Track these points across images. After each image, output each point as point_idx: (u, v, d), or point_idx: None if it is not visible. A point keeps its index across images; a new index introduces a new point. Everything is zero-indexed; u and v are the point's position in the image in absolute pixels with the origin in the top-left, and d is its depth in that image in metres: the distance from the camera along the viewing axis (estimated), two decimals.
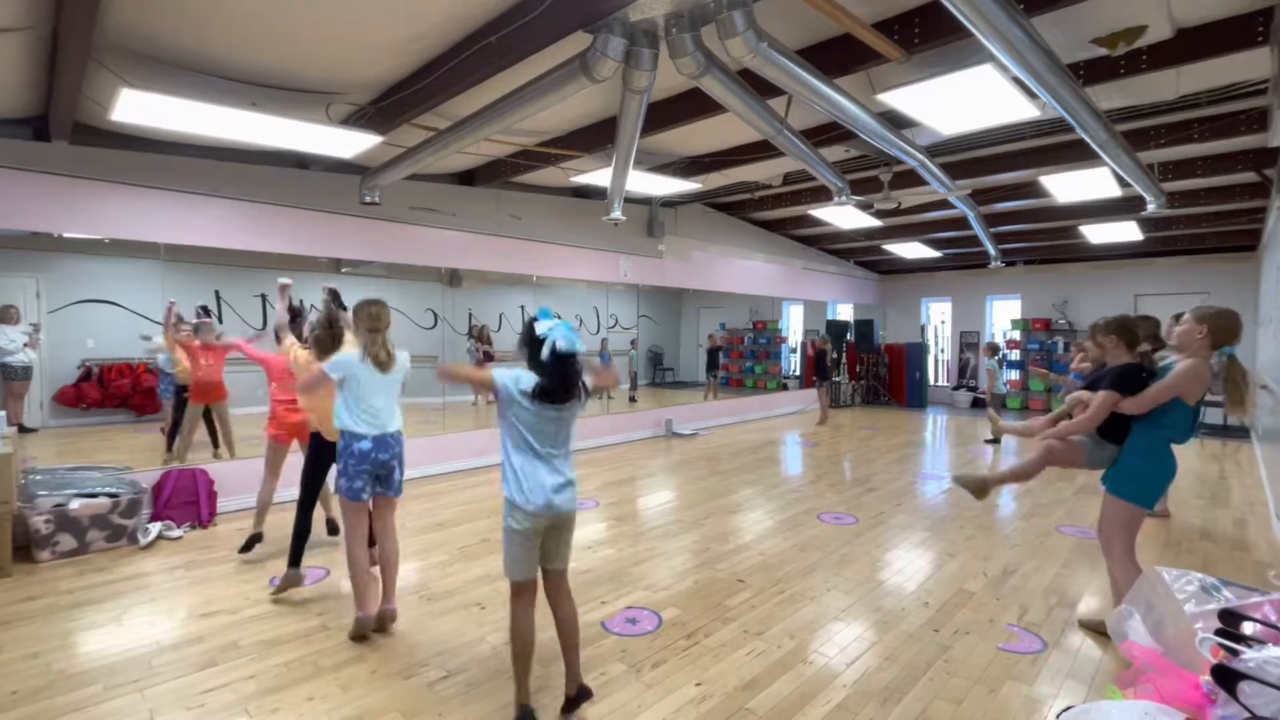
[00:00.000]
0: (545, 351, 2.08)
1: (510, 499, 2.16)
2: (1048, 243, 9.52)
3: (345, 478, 2.81)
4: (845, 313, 12.86)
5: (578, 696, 2.28)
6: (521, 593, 2.21)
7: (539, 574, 2.24)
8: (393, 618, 2.93)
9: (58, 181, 4.18)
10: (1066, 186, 5.92)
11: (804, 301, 12.16)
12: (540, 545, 2.21)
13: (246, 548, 3.77)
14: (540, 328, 2.12)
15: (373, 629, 2.81)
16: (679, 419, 8.75)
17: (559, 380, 2.10)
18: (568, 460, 2.23)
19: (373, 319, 2.83)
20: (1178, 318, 2.99)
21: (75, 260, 6.33)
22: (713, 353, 10.51)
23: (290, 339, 3.57)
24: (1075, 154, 5.34)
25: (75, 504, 3.79)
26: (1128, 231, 8.01)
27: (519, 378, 2.14)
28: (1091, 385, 2.85)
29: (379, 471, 2.89)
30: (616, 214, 5.20)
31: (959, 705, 2.34)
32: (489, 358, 9.10)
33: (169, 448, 5.17)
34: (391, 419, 2.92)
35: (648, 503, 5.11)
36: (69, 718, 2.25)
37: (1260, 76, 4.01)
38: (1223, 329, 2.52)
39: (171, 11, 2.99)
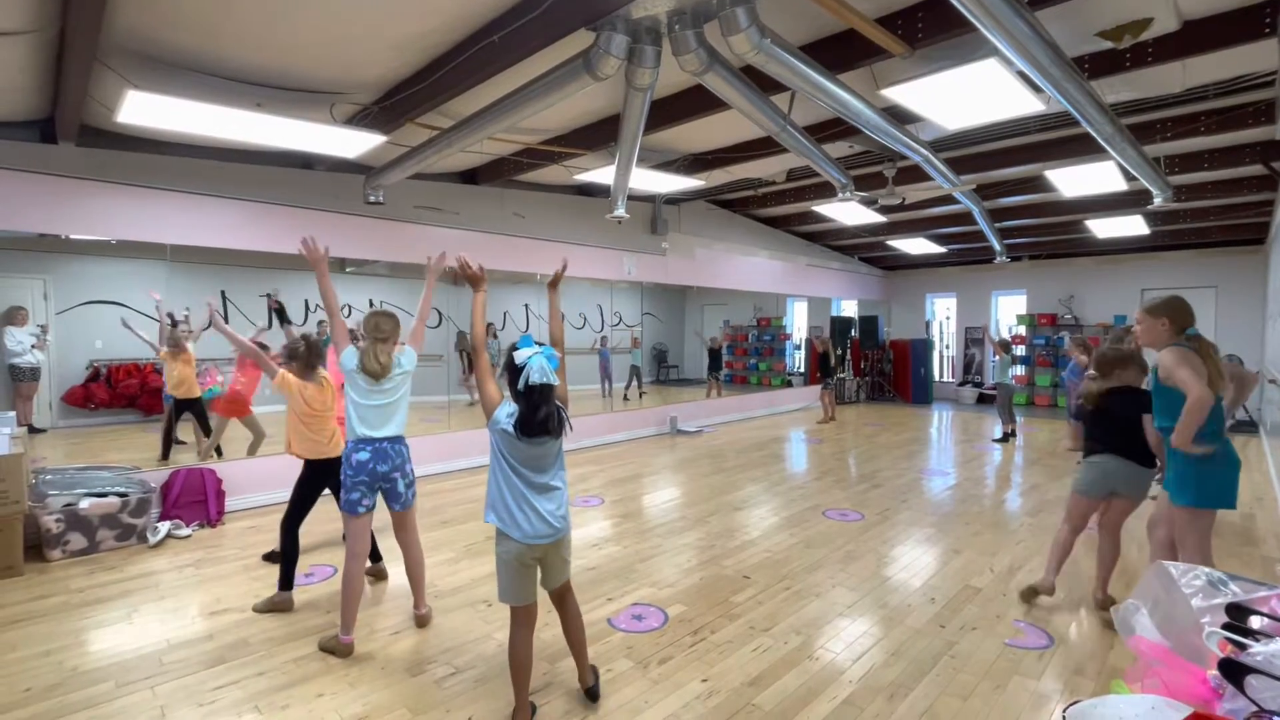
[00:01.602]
0: (521, 382, 2.03)
1: (498, 529, 2.14)
2: (1053, 237, 9.48)
3: (344, 489, 2.73)
4: (850, 309, 12.84)
5: (595, 684, 2.35)
6: (518, 617, 2.18)
7: (537, 596, 2.21)
8: (425, 621, 2.95)
9: (65, 183, 4.21)
10: (1072, 181, 5.89)
11: (808, 298, 12.14)
12: (539, 569, 2.21)
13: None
14: (519, 356, 2.06)
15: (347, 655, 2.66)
16: (683, 416, 8.75)
17: (533, 413, 2.03)
18: (558, 487, 2.18)
19: (375, 329, 2.78)
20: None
21: (82, 262, 6.37)
22: (714, 353, 10.48)
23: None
24: (1081, 148, 5.31)
25: (85, 503, 3.82)
26: (1134, 226, 7.96)
27: (510, 412, 2.10)
28: (1082, 415, 3.05)
29: (380, 485, 2.78)
30: (620, 212, 5.20)
31: (965, 700, 2.34)
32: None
33: (164, 455, 5.17)
34: (389, 423, 2.79)
35: (653, 500, 5.12)
36: (81, 714, 2.27)
37: (1268, 68, 3.98)
38: (1179, 312, 2.61)
39: (176, 13, 3.00)
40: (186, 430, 5.66)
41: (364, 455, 2.72)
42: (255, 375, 5.12)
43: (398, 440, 2.84)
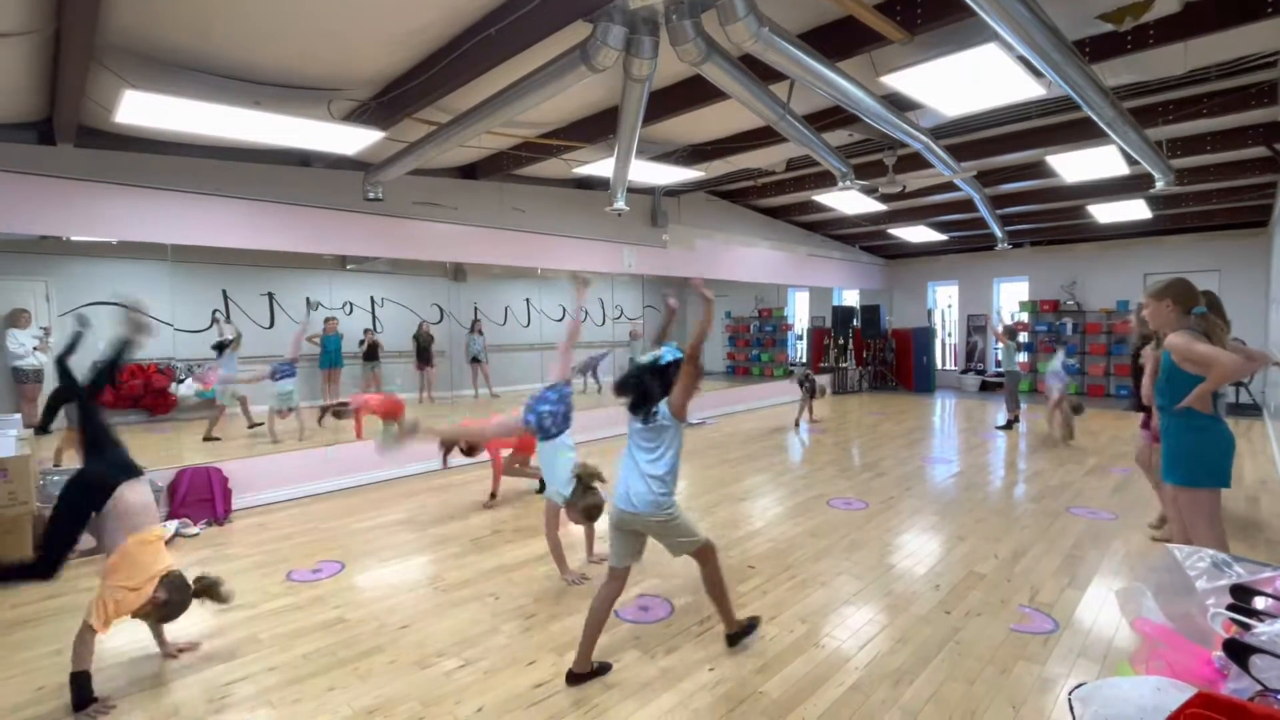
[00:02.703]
0: None
1: None
2: (1055, 223, 9.44)
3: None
4: (851, 298, 12.81)
5: (735, 634, 2.62)
6: (609, 573, 2.49)
7: (628, 568, 2.50)
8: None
9: (64, 185, 4.21)
10: (1073, 166, 5.86)
11: (809, 288, 12.11)
12: (642, 541, 2.54)
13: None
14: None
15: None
16: None
17: (629, 387, 2.47)
18: (649, 474, 2.41)
19: None
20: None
21: (84, 263, 6.37)
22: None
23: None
24: (1082, 132, 5.28)
25: None
26: (1136, 210, 7.93)
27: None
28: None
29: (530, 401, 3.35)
30: (619, 204, 5.19)
31: (971, 685, 2.36)
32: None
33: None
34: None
35: None
36: None
37: (1271, 49, 3.95)
38: (1184, 293, 2.61)
39: (171, 10, 2.99)
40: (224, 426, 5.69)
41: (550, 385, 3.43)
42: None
43: (554, 386, 3.38)
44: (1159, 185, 5.35)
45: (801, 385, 8.36)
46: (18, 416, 4.22)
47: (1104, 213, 8.17)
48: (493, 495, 4.81)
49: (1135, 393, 4.04)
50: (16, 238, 4.35)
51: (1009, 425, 7.74)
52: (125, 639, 2.80)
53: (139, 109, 3.39)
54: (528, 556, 3.71)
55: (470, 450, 4.94)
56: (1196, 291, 2.62)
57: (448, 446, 4.87)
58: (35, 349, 5.47)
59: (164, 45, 3.32)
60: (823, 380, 8.91)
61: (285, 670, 2.54)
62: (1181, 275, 2.70)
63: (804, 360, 12.37)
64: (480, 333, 9.05)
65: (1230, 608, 1.39)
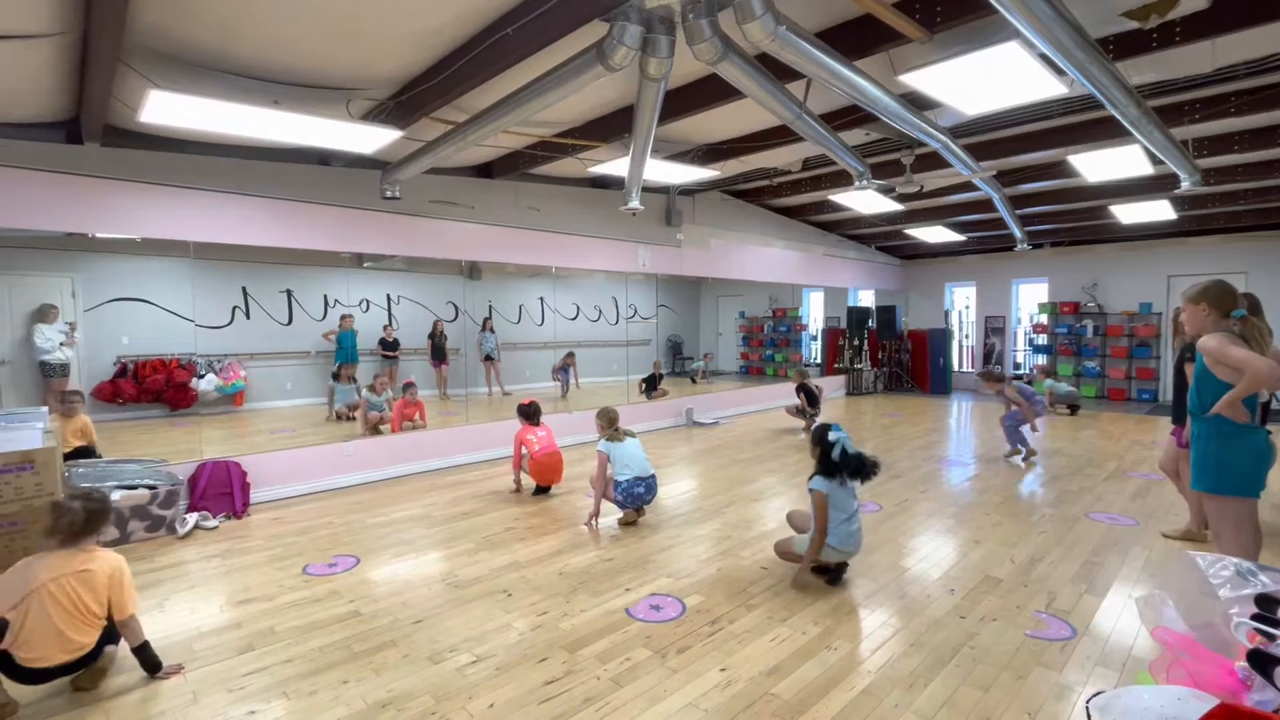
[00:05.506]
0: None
1: None
2: (1076, 223, 9.28)
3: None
4: (867, 299, 12.72)
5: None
6: None
7: None
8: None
9: (91, 183, 4.29)
10: (1096, 165, 5.76)
11: (824, 288, 12.04)
12: None
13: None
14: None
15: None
16: (699, 408, 8.74)
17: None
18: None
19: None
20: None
21: (109, 260, 6.52)
22: (651, 378, 9.58)
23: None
24: (1105, 132, 5.20)
25: (116, 495, 3.92)
26: (1160, 210, 7.78)
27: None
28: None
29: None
30: (634, 203, 5.19)
31: (986, 691, 2.33)
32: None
33: None
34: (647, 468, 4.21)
35: (669, 491, 5.13)
36: (115, 701, 2.34)
37: None
38: (1221, 296, 2.54)
39: (195, 11, 3.04)
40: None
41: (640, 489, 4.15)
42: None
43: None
44: (1184, 185, 5.25)
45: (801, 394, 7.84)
46: (45, 409, 4.31)
47: (1127, 213, 8.02)
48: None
49: (1177, 400, 3.89)
50: (44, 235, 4.45)
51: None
52: (148, 629, 2.85)
53: (163, 109, 3.45)
54: (540, 554, 3.73)
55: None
56: (1235, 294, 2.55)
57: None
58: (62, 344, 5.60)
59: (188, 45, 3.38)
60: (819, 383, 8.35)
61: (301, 662, 2.57)
62: (1219, 278, 2.62)
63: (816, 360, 12.26)
64: (492, 330, 9.10)
65: (1255, 618, 1.36)
